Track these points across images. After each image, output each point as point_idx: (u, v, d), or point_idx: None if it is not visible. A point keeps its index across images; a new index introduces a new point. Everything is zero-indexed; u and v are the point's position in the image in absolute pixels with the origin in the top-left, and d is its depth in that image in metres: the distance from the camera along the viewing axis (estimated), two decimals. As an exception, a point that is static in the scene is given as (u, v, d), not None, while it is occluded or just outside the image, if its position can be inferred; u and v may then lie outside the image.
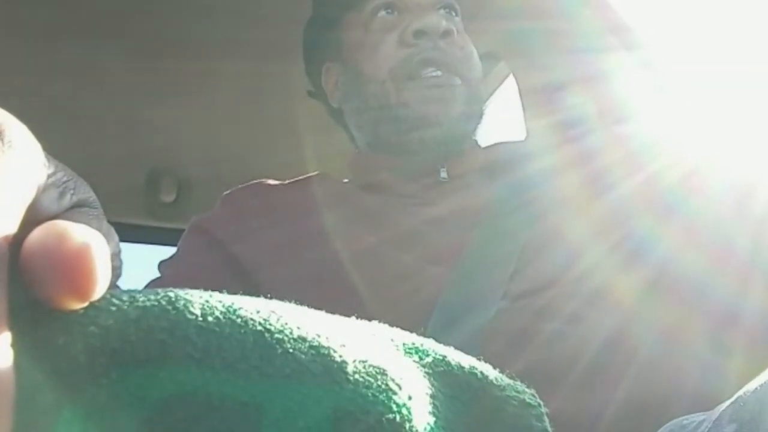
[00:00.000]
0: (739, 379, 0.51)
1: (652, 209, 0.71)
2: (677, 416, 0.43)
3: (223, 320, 0.23)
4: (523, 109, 1.25)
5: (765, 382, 0.35)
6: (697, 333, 0.63)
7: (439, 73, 0.81)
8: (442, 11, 0.86)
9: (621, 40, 1.07)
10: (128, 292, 0.23)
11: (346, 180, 0.88)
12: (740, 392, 0.37)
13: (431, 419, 0.26)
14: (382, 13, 0.86)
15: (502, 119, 1.31)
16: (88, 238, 0.21)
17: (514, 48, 1.24)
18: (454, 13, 0.88)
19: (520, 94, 1.26)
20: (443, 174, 0.82)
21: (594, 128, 0.87)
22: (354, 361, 0.24)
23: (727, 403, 0.37)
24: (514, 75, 1.28)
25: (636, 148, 0.80)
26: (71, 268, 0.20)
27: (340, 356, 0.24)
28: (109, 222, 0.35)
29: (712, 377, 0.59)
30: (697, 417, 0.41)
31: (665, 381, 0.58)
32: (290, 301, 0.26)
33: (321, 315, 0.27)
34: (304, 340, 0.24)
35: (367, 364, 0.25)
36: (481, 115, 0.85)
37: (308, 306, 0.27)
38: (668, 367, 0.60)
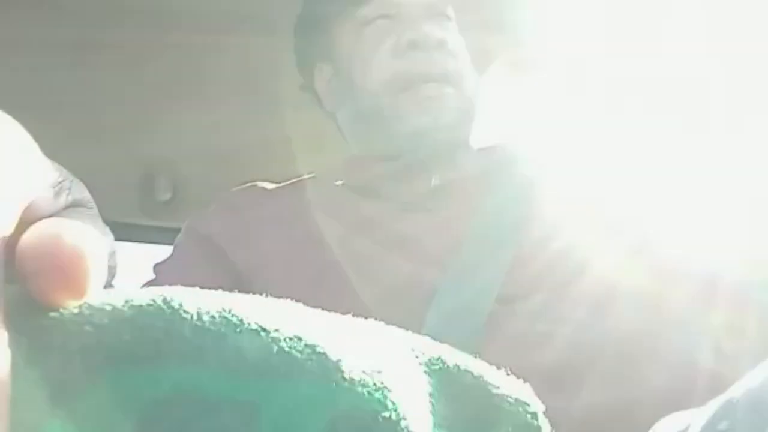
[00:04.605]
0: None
1: (651, 207, 0.72)
2: (667, 410, 0.43)
3: (219, 319, 0.23)
4: (518, 108, 1.25)
5: (757, 381, 0.35)
6: (690, 331, 0.63)
7: (432, 85, 0.80)
8: (436, 18, 0.86)
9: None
10: (123, 291, 0.23)
11: (340, 182, 0.88)
12: (732, 390, 0.37)
13: (427, 417, 0.26)
14: (378, 18, 0.85)
15: (497, 117, 1.31)
16: (83, 237, 0.21)
17: (505, 30, 1.23)
18: (446, 20, 0.87)
19: (516, 92, 1.26)
20: (435, 181, 0.82)
21: (589, 126, 0.87)
22: (350, 359, 0.24)
23: (720, 401, 0.37)
24: (510, 71, 1.27)
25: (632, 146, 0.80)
26: (65, 266, 0.21)
27: (336, 355, 0.24)
28: (104, 221, 0.36)
29: (708, 377, 0.60)
30: (688, 415, 0.41)
31: (656, 379, 0.59)
32: None
33: (317, 314, 0.27)
34: (299, 338, 0.24)
35: (363, 363, 0.25)
36: (472, 118, 0.85)
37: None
38: (658, 364, 0.60)
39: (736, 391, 0.36)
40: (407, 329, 0.30)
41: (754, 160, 0.72)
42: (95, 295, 0.22)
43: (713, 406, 0.38)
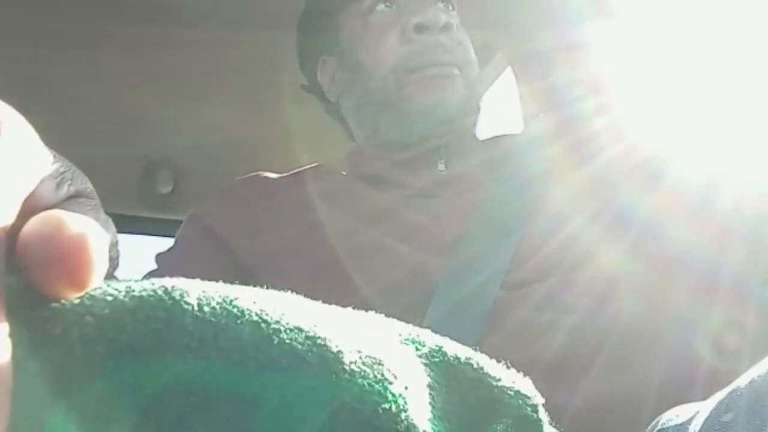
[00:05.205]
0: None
1: (655, 198, 0.72)
2: (667, 403, 0.43)
3: (220, 311, 0.23)
4: (521, 101, 1.25)
5: (760, 373, 0.36)
6: (692, 319, 0.63)
7: (440, 67, 0.81)
8: (440, 4, 0.86)
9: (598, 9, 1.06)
10: (124, 282, 0.23)
11: (344, 172, 0.88)
12: (736, 383, 0.37)
13: (427, 409, 0.26)
14: (381, 6, 0.86)
15: (499, 112, 1.31)
16: (84, 228, 0.21)
17: (505, 23, 1.23)
18: (450, 7, 0.88)
19: (518, 86, 1.26)
20: (441, 166, 0.82)
21: (591, 117, 0.87)
22: (350, 351, 0.24)
23: (724, 393, 0.38)
24: (510, 64, 1.27)
25: (625, 126, 0.79)
26: (67, 257, 0.21)
27: (337, 347, 0.24)
28: (106, 213, 0.36)
29: (708, 370, 0.60)
30: (693, 407, 0.41)
31: (656, 372, 0.59)
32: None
33: (318, 305, 0.27)
34: (300, 330, 0.24)
35: (363, 355, 0.25)
36: (478, 109, 0.86)
37: (307, 298, 0.27)
38: (659, 357, 0.60)
39: (740, 382, 0.36)
40: (414, 317, 0.30)
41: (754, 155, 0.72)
42: (97, 286, 0.22)
43: (718, 397, 0.38)
